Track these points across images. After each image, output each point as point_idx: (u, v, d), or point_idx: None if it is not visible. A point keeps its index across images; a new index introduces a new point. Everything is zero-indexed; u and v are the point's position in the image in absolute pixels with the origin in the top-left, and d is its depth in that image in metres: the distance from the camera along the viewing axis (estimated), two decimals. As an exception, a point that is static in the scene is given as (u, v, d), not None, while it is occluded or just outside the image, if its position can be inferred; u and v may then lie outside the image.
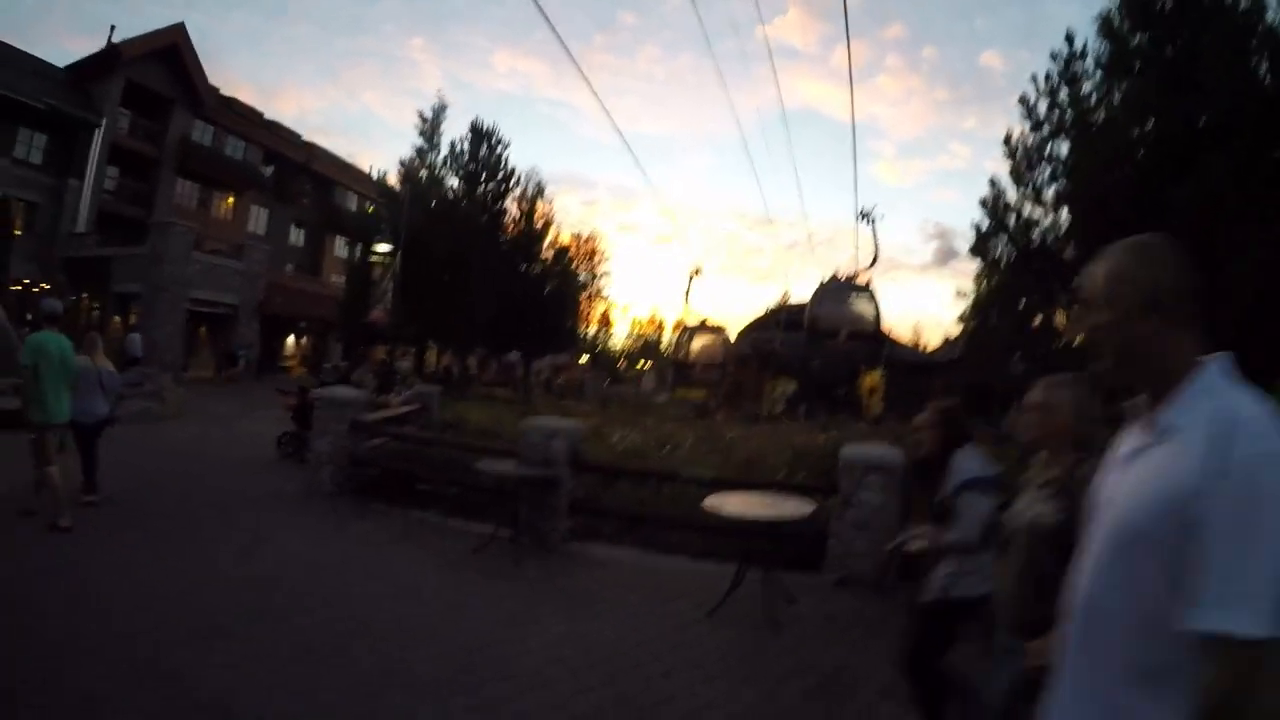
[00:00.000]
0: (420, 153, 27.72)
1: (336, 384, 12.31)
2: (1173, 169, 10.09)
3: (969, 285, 22.30)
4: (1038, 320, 14.39)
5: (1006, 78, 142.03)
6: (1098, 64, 12.27)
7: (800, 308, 35.50)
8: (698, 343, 35.90)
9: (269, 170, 37.17)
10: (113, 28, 28.83)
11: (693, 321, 37.25)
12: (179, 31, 31.34)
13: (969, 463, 3.16)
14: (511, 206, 28.13)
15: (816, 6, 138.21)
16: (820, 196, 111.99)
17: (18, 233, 25.55)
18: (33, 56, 29.28)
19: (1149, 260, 1.45)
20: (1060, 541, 1.88)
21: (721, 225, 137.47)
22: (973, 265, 15.77)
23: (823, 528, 6.13)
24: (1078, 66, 12.79)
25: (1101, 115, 12.05)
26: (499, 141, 27.83)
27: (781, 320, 39.71)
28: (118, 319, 25.54)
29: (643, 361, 75.65)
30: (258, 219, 37.20)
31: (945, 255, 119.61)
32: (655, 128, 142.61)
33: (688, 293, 36.49)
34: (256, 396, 13.05)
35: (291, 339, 33.95)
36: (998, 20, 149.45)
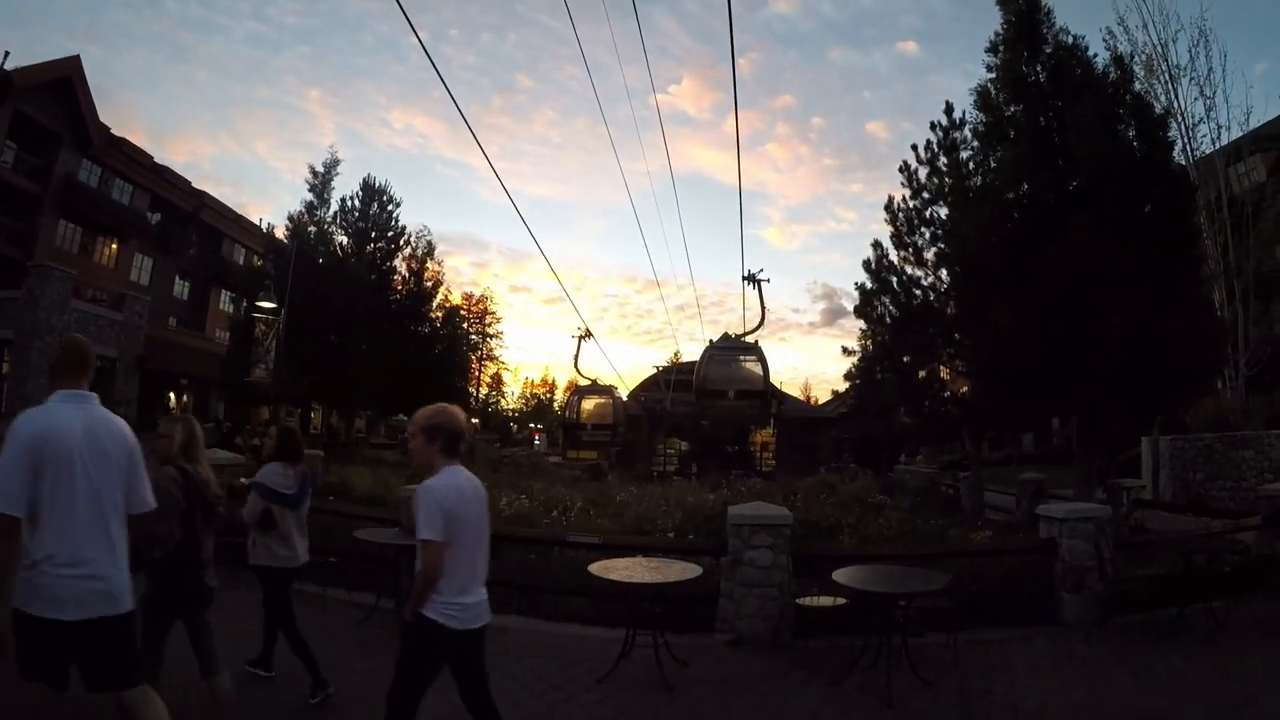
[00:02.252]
0: (310, 207, 27.23)
1: (215, 446, 11.59)
2: (1044, 230, 10.83)
3: (855, 343, 23.40)
4: (922, 374, 15.14)
5: (890, 145, 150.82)
6: (975, 133, 13.18)
7: (690, 366, 36.25)
8: (589, 403, 35.96)
9: (156, 218, 35.37)
10: (6, 54, 26.85)
11: (584, 382, 37.28)
12: (74, 64, 29.39)
13: (268, 475, 4.84)
14: (401, 265, 27.85)
15: (709, 77, 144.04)
16: (710, 259, 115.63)
17: None
18: None
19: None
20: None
21: (613, 287, 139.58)
22: (859, 324, 16.49)
23: (713, 589, 6.15)
24: (956, 136, 13.75)
25: (978, 181, 12.89)
26: (390, 199, 27.62)
27: (672, 380, 40.34)
28: None
29: (534, 423, 75.35)
30: (142, 268, 35.11)
31: (832, 315, 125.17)
32: (550, 190, 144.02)
33: (578, 354, 36.48)
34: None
35: (172, 396, 31.93)
36: (884, 92, 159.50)
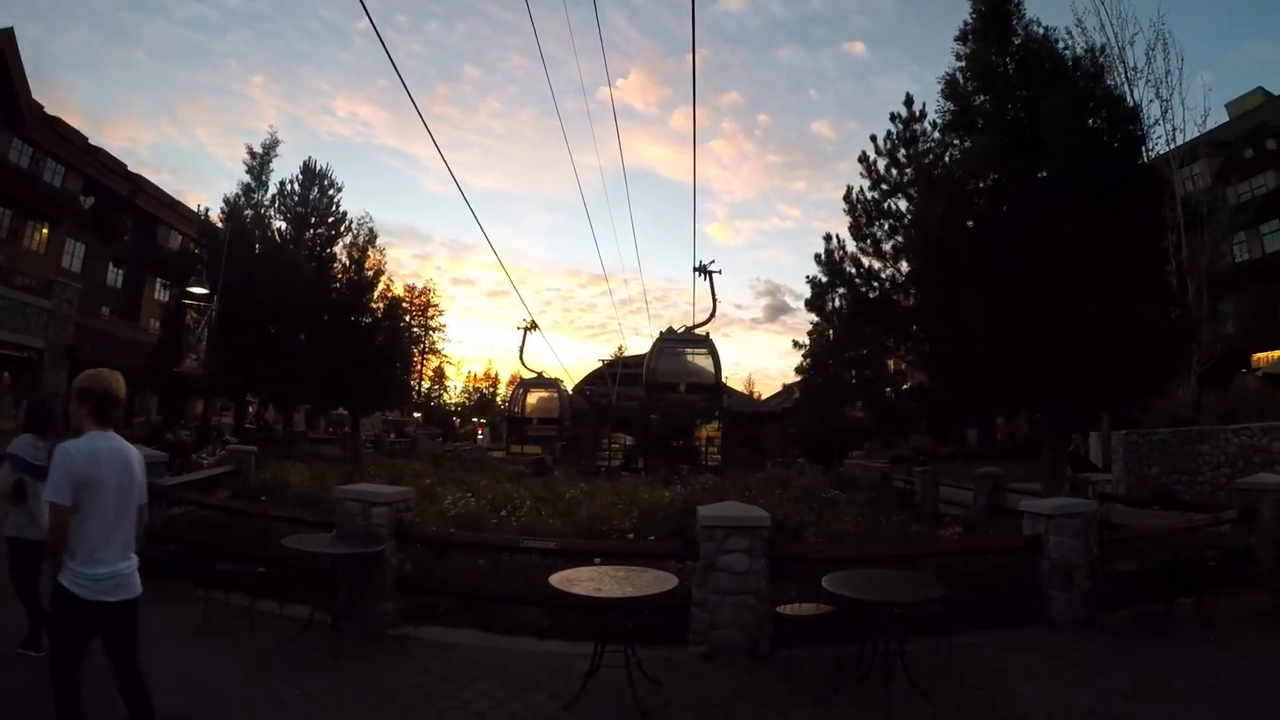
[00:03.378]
0: (247, 190, 25.86)
1: (144, 442, 10.65)
2: (1014, 220, 10.61)
3: (803, 338, 23.18)
4: (878, 366, 14.91)
5: (835, 145, 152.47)
6: (941, 123, 12.98)
7: (637, 360, 35.66)
8: (534, 397, 35.13)
9: (89, 201, 33.26)
10: None
11: (528, 375, 36.45)
12: (7, 38, 27.09)
13: (20, 447, 4.73)
14: (341, 253, 26.65)
15: (657, 72, 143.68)
16: (657, 255, 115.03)
17: None
18: None
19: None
20: None
21: (559, 281, 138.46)
22: (804, 319, 16.27)
23: (684, 596, 5.62)
24: (917, 128, 13.49)
25: (942, 171, 12.66)
26: (331, 184, 26.45)
27: (618, 374, 39.80)
28: None
29: (477, 418, 74.02)
30: (73, 254, 32.94)
31: (775, 311, 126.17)
32: (494, 182, 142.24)
33: (522, 347, 35.61)
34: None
35: None
36: (830, 92, 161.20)
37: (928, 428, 18.17)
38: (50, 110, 31.45)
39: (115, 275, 36.53)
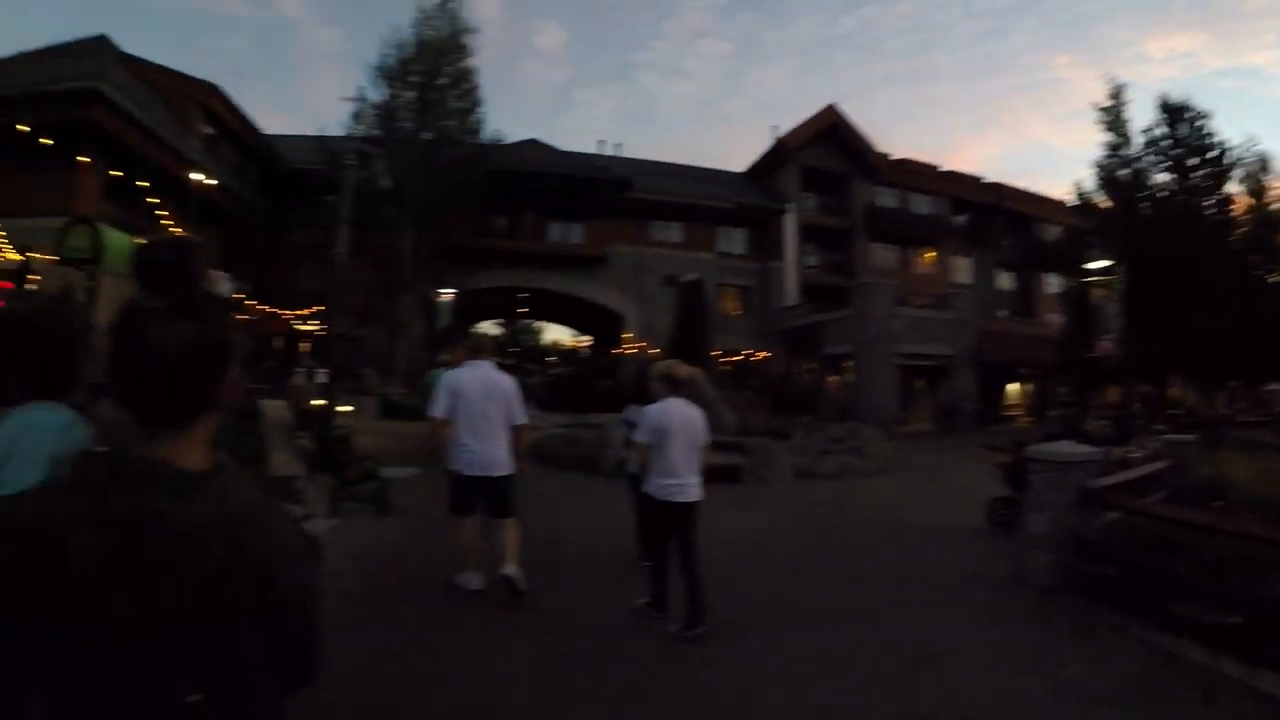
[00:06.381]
0: (1112, 148, 23.17)
1: (1061, 436, 9.45)
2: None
3: None
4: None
5: None
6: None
7: None
8: None
9: (960, 219, 36.91)
10: (774, 127, 33.60)
11: None
12: (833, 113, 33.95)
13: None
14: (1234, 193, 21.46)
15: None
16: None
17: (736, 313, 31.26)
18: (714, 170, 36.41)
19: None
20: None
21: None
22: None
23: None
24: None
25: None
26: (1197, 115, 21.66)
27: None
28: (834, 378, 27.49)
29: None
30: (960, 269, 36.92)
31: None
32: None
33: None
34: (975, 450, 11.70)
35: (1013, 386, 31.91)
36: None
37: None
38: (896, 156, 35.91)
39: (1004, 279, 38.39)
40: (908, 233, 35.30)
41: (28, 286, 12.70)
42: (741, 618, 4.90)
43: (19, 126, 16.33)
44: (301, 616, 1.11)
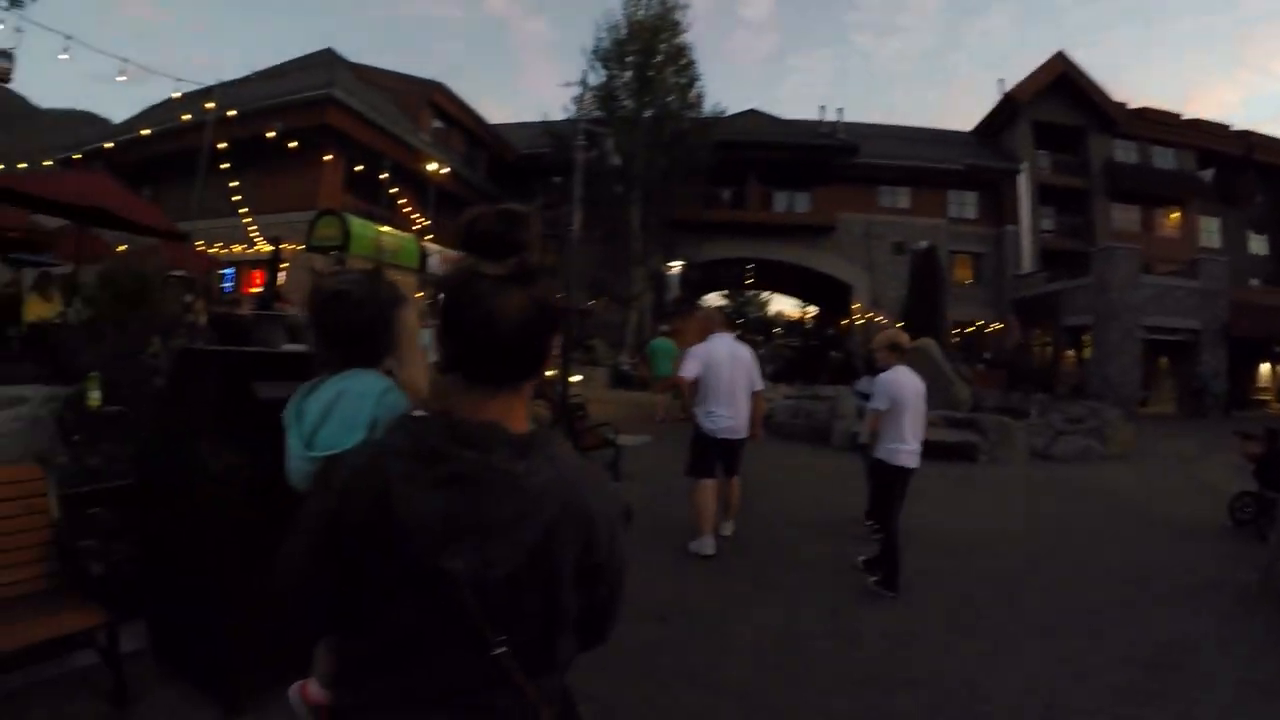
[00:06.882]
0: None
1: None
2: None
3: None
4: None
5: None
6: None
7: None
8: None
9: (1207, 174, 32.56)
10: (1000, 81, 31.06)
11: None
12: (1062, 61, 30.99)
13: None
14: None
15: None
16: None
17: (968, 280, 30.00)
18: (941, 130, 34.33)
19: None
20: None
21: None
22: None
23: None
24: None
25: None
26: None
27: None
28: (1071, 352, 25.71)
29: None
30: (1207, 230, 32.82)
31: None
32: None
33: None
34: (1224, 437, 10.58)
35: (1265, 367, 28.15)
36: None
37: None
38: (1133, 105, 32.26)
39: (1257, 243, 33.47)
40: (1150, 191, 31.70)
41: (279, 273, 14.46)
42: (973, 605, 4.88)
43: (266, 134, 18.66)
44: (613, 580, 1.15)
